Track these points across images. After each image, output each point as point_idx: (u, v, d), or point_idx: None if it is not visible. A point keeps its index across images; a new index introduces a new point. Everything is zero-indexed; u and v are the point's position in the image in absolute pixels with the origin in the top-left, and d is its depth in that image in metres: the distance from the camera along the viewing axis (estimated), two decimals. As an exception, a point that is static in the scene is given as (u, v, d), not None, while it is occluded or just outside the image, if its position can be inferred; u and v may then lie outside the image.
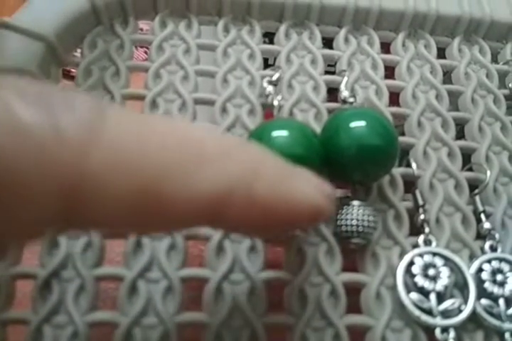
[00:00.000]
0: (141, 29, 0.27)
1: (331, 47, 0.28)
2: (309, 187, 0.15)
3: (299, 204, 0.14)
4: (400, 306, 0.20)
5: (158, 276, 0.20)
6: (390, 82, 0.26)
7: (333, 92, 0.26)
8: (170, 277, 0.20)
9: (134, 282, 0.20)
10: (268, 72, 0.26)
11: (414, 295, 0.20)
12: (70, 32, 0.24)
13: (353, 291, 0.21)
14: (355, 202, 0.21)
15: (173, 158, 0.13)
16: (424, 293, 0.20)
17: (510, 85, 0.27)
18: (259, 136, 0.21)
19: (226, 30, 0.27)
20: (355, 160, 0.21)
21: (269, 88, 0.24)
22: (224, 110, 0.24)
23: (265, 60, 0.29)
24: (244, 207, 0.13)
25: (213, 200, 0.13)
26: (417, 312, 0.20)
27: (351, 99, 0.23)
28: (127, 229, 0.15)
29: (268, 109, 0.24)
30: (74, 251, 0.20)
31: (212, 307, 0.20)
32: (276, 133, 0.20)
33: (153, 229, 0.15)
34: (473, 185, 0.24)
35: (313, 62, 0.26)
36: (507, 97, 0.27)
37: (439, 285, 0.20)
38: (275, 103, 0.23)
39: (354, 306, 0.21)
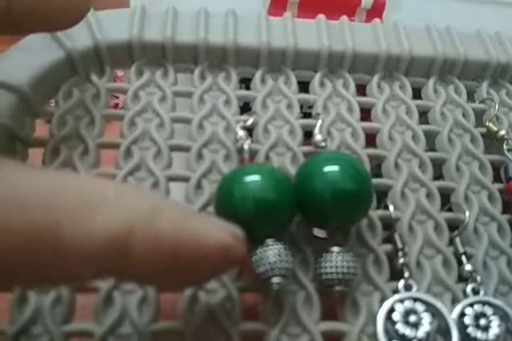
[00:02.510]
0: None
1: (307, 90, 0.28)
2: (216, 227, 0.15)
3: (207, 241, 0.14)
4: (381, 355, 0.20)
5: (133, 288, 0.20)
6: (366, 124, 0.27)
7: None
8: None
9: (109, 293, 0.20)
10: (245, 117, 0.26)
11: (396, 344, 0.20)
12: (44, 82, 0.24)
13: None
14: (335, 248, 0.21)
15: (71, 200, 0.13)
16: (406, 340, 0.20)
17: (487, 124, 0.27)
18: (231, 180, 0.20)
19: (202, 77, 0.27)
20: (330, 205, 0.20)
21: (241, 132, 0.24)
22: (200, 156, 0.24)
23: (246, 104, 0.29)
24: (150, 245, 0.13)
25: (113, 238, 0.13)
26: (398, 362, 0.19)
27: (323, 144, 0.23)
28: (25, 274, 0.14)
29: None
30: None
31: (187, 315, 0.20)
32: (248, 178, 0.20)
33: (55, 274, 0.14)
34: (454, 226, 0.24)
35: (289, 106, 0.27)
36: (484, 136, 0.27)
37: (421, 332, 0.20)
38: (245, 147, 0.23)
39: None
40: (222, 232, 0.15)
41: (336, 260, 0.20)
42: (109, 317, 0.19)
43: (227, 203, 0.20)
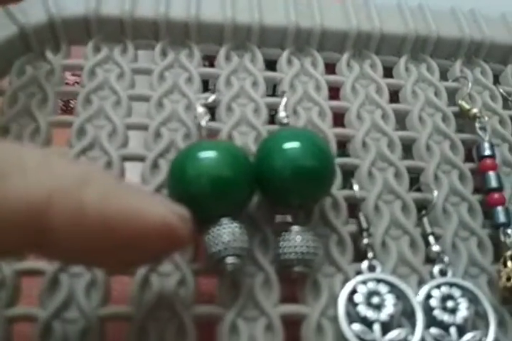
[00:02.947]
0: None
1: (274, 70, 0.27)
2: (157, 204, 0.14)
3: (145, 218, 0.13)
4: (342, 339, 0.19)
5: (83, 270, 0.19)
6: (334, 102, 0.26)
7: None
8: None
9: (56, 276, 0.19)
10: (207, 95, 0.25)
11: (357, 326, 0.19)
12: (-5, 58, 0.23)
13: (293, 324, 0.19)
14: (295, 228, 0.20)
15: None
16: (368, 323, 0.19)
17: (459, 102, 0.26)
18: (185, 157, 0.19)
19: (163, 53, 0.26)
20: (290, 183, 0.20)
21: (200, 109, 0.23)
22: (158, 135, 0.23)
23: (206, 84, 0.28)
24: (74, 218, 0.12)
25: (31, 206, 0.12)
26: (359, 345, 0.18)
27: (285, 120, 0.22)
28: None
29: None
30: None
31: (138, 299, 0.19)
32: (203, 154, 0.19)
33: None
34: (423, 207, 0.23)
35: (255, 84, 0.26)
36: (457, 115, 0.26)
37: (384, 315, 0.19)
38: (203, 124, 0.22)
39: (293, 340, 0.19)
40: (163, 210, 0.14)
41: (295, 239, 0.19)
42: (55, 301, 0.18)
43: (180, 180, 0.19)
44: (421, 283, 0.21)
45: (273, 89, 0.29)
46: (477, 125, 0.25)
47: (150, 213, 0.14)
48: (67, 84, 0.26)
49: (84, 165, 0.14)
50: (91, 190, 0.13)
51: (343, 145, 0.27)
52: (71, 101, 0.34)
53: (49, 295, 0.19)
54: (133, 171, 0.23)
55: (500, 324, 0.20)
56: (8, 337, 0.18)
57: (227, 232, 0.18)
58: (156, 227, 0.14)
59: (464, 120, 0.26)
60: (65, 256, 0.14)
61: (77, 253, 0.13)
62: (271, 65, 0.27)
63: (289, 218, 0.21)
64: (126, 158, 0.22)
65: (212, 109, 0.24)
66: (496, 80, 0.29)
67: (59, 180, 0.13)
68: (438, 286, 0.20)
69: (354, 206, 0.22)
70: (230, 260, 0.18)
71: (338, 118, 0.26)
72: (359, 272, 0.20)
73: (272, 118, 0.25)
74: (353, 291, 0.19)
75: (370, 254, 0.21)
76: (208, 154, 0.19)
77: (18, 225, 0.12)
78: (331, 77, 0.27)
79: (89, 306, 0.18)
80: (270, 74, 0.26)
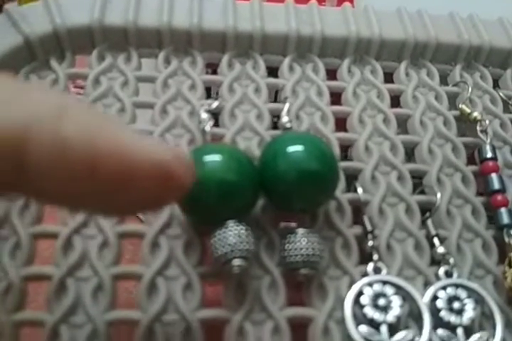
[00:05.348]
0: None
1: (276, 77, 0.27)
2: (147, 141, 0.12)
3: (136, 155, 0.12)
4: (349, 341, 0.19)
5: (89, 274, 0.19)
6: (336, 108, 0.26)
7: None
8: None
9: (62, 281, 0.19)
10: (210, 101, 0.25)
11: (364, 328, 0.19)
12: (1, 67, 0.24)
13: (300, 327, 0.19)
14: (300, 230, 0.20)
15: None
16: (375, 325, 0.19)
17: (460, 106, 0.27)
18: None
19: (167, 61, 0.26)
20: (294, 186, 0.20)
21: (203, 115, 0.23)
22: (163, 141, 0.23)
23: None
24: (54, 153, 0.11)
25: (5, 141, 0.11)
26: (366, 347, 0.18)
27: (288, 125, 0.22)
28: None
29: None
30: None
31: (145, 302, 0.19)
32: (207, 158, 0.19)
33: None
34: (426, 209, 0.23)
35: (257, 90, 0.26)
36: (458, 119, 0.26)
37: (391, 316, 0.19)
38: (207, 129, 0.22)
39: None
40: (155, 147, 0.12)
41: (301, 241, 0.19)
42: (62, 306, 0.18)
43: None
44: (427, 284, 0.21)
45: (275, 96, 0.29)
46: (478, 128, 0.25)
47: (143, 150, 0.12)
48: (70, 93, 0.26)
49: (65, 95, 0.12)
50: (75, 120, 0.11)
51: (344, 150, 0.27)
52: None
53: (56, 300, 0.19)
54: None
55: (507, 324, 0.20)
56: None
57: (233, 234, 0.18)
58: (149, 168, 0.12)
59: (465, 124, 0.26)
60: (48, 196, 0.12)
61: (60, 193, 0.12)
62: (273, 71, 0.27)
63: (293, 224, 0.21)
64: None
65: (215, 116, 0.24)
66: (496, 84, 0.29)
67: (35, 112, 0.11)
68: (444, 287, 0.20)
69: (358, 210, 0.23)
70: (236, 262, 0.18)
71: (340, 123, 0.26)
72: (365, 274, 0.20)
73: (275, 124, 0.25)
74: (360, 293, 0.20)
75: (375, 256, 0.21)
76: (213, 158, 0.19)
77: None
78: (333, 83, 0.27)
79: (97, 310, 0.18)
80: (272, 80, 0.27)
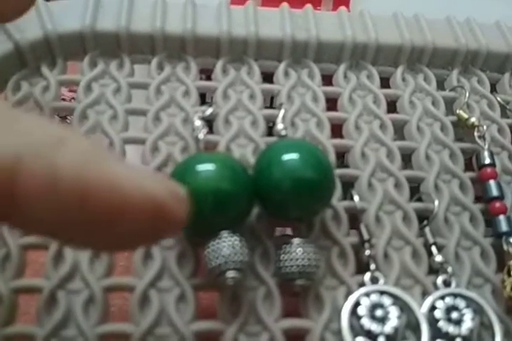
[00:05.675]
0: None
1: (271, 82, 0.27)
2: (144, 176, 0.12)
3: (127, 191, 0.11)
4: (346, 353, 0.18)
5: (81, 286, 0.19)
6: (331, 113, 0.26)
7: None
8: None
9: (53, 293, 0.19)
10: (204, 108, 0.25)
11: (361, 340, 0.18)
12: (-9, 75, 0.23)
13: (296, 338, 0.19)
14: (295, 240, 0.19)
15: None
16: (372, 336, 0.18)
17: (457, 111, 0.26)
18: (183, 170, 0.19)
19: (160, 67, 0.26)
20: (290, 195, 0.19)
21: (197, 122, 0.22)
22: (155, 148, 0.23)
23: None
24: (46, 184, 0.11)
25: None
26: (364, 359, 0.18)
27: (283, 132, 0.22)
28: None
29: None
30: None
31: (138, 315, 0.18)
32: (200, 167, 0.19)
33: None
34: (424, 217, 0.23)
35: (252, 97, 0.26)
36: (455, 124, 0.26)
37: (388, 327, 0.19)
38: (200, 137, 0.22)
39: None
40: (152, 183, 0.12)
41: (296, 252, 0.19)
42: (52, 319, 0.18)
43: (178, 194, 0.19)
44: (425, 294, 0.20)
45: (270, 102, 0.29)
46: (476, 134, 0.25)
47: (134, 185, 0.12)
48: (63, 100, 0.26)
49: (60, 125, 0.12)
50: (67, 152, 0.11)
51: (340, 156, 0.26)
52: (68, 117, 0.34)
53: (46, 313, 0.18)
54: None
55: (506, 334, 0.20)
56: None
57: (226, 245, 0.18)
58: (140, 202, 0.12)
59: (463, 129, 0.26)
60: (37, 227, 0.12)
61: (50, 225, 0.12)
62: (268, 77, 0.27)
63: (289, 231, 0.21)
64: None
65: (209, 122, 0.24)
66: (493, 89, 0.29)
67: (29, 140, 0.11)
68: (442, 297, 0.20)
69: (355, 218, 0.22)
70: (230, 274, 0.18)
71: (336, 129, 0.25)
72: (362, 284, 0.20)
73: (270, 131, 0.25)
74: (357, 304, 0.19)
75: (372, 266, 0.20)
76: (206, 167, 0.19)
77: None
78: (329, 89, 0.27)
79: (88, 324, 0.18)
80: (267, 86, 0.26)
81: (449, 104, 0.27)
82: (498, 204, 0.23)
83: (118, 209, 0.11)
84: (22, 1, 0.18)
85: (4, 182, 0.10)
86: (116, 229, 0.12)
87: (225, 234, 0.18)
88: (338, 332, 0.19)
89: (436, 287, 0.21)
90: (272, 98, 0.28)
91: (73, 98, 0.31)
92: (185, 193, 0.13)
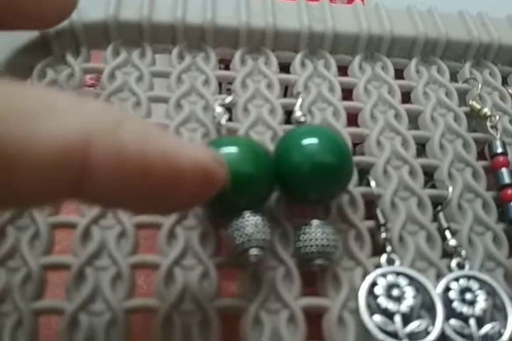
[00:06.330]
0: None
1: (288, 73, 0.28)
2: (192, 146, 0.14)
3: (182, 159, 0.13)
4: (363, 330, 0.19)
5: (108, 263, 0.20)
6: (347, 103, 0.26)
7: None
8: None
9: (81, 270, 0.19)
10: (224, 96, 0.25)
11: (378, 318, 0.19)
12: (18, 62, 0.24)
13: (315, 317, 0.20)
14: (314, 221, 0.20)
15: (17, 108, 0.11)
16: (389, 314, 0.19)
17: (470, 102, 0.27)
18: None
19: (181, 57, 0.27)
20: (309, 179, 0.20)
21: (218, 109, 0.23)
22: (178, 135, 0.23)
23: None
24: (113, 159, 0.12)
25: (68, 149, 0.11)
26: (380, 336, 0.18)
27: (302, 119, 0.23)
28: None
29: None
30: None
31: (163, 291, 0.19)
32: (223, 150, 0.20)
33: (3, 193, 0.12)
34: (438, 203, 0.23)
35: (269, 86, 0.26)
36: (468, 115, 0.27)
37: (404, 306, 0.19)
38: (222, 122, 0.23)
39: (315, 333, 0.19)
40: (200, 152, 0.14)
41: (316, 232, 0.19)
42: (81, 294, 0.19)
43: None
44: (439, 276, 0.21)
45: (285, 92, 0.30)
46: (488, 124, 0.26)
47: (187, 155, 0.13)
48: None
49: (118, 108, 0.14)
50: (129, 129, 0.12)
51: (354, 146, 0.27)
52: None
53: (75, 289, 0.19)
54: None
55: (519, 316, 0.20)
56: (34, 329, 0.18)
57: (250, 224, 0.19)
58: (193, 169, 0.13)
59: (475, 120, 0.27)
60: (104, 199, 0.13)
61: (115, 196, 0.13)
62: (284, 68, 0.28)
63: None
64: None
65: (228, 110, 0.25)
66: (505, 81, 0.29)
67: (96, 119, 0.12)
68: (456, 279, 0.21)
69: (369, 207, 0.23)
70: (253, 251, 0.18)
71: (352, 119, 0.26)
72: (378, 265, 0.21)
73: (288, 119, 0.25)
74: (373, 284, 0.20)
75: (388, 248, 0.21)
76: (229, 149, 0.20)
77: (54, 173, 0.11)
78: (344, 79, 0.27)
79: (115, 299, 0.19)
80: (284, 76, 0.27)
81: (462, 96, 0.28)
82: (510, 192, 0.23)
83: (176, 176, 0.13)
84: (65, 9, 0.20)
85: (77, 157, 0.11)
86: (174, 193, 0.13)
87: (247, 213, 0.19)
88: (356, 311, 0.19)
89: (450, 269, 0.21)
90: (286, 89, 0.29)
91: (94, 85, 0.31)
92: (223, 158, 0.15)
